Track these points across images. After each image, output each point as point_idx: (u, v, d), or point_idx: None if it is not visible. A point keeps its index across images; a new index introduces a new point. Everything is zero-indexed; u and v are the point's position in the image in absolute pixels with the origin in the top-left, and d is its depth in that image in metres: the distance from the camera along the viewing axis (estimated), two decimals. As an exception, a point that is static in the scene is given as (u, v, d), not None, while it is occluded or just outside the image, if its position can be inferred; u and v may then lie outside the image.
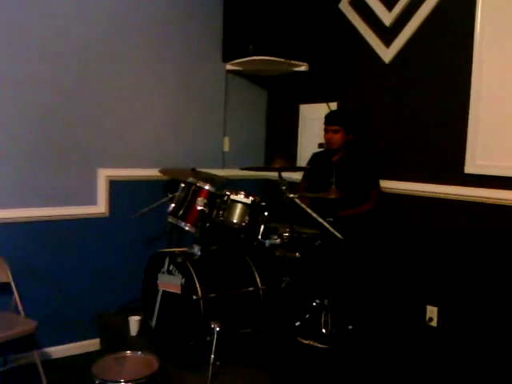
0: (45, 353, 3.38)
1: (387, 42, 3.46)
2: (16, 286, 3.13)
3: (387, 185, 3.41)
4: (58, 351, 3.47)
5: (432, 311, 3.16)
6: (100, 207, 3.62)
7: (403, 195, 3.34)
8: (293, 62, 4.02)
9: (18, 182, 3.27)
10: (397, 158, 3.42)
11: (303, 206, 2.63)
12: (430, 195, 3.18)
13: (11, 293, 3.12)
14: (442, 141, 3.15)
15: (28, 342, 3.03)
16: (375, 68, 3.55)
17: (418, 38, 3.29)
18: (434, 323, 3.15)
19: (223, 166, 4.23)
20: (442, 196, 3.11)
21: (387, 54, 3.46)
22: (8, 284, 3.11)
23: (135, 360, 2.63)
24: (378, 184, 3.36)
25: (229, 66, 4.19)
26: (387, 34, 3.46)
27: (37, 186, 3.34)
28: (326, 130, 3.39)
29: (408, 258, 3.32)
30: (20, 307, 3.09)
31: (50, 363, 3.33)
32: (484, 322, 2.91)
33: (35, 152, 3.33)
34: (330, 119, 3.39)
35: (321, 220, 2.58)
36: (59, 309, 3.46)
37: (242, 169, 3.13)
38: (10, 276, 3.12)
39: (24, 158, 3.29)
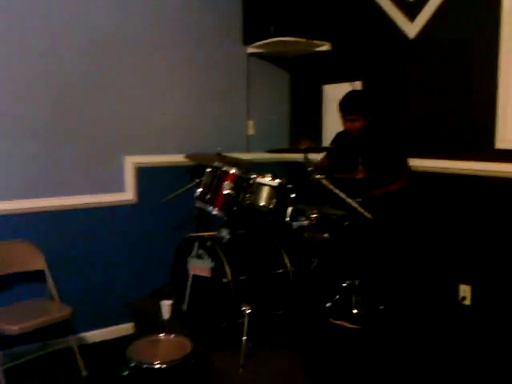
0: (81, 338, 3.47)
1: (411, 17, 3.39)
2: (50, 273, 3.21)
3: (415, 163, 3.36)
4: (93, 336, 3.56)
5: (465, 290, 3.13)
6: (128, 194, 3.66)
7: (432, 173, 3.29)
8: (315, 41, 3.98)
9: (49, 172, 3.33)
10: (425, 135, 3.36)
11: (331, 186, 2.61)
12: (460, 172, 3.12)
13: (46, 280, 3.20)
14: (470, 116, 3.08)
15: (64, 327, 3.12)
16: (399, 44, 3.48)
17: (443, 11, 3.20)
18: (467, 302, 3.11)
19: (248, 150, 4.23)
20: (472, 173, 3.06)
21: (411, 29, 3.39)
22: (43, 271, 3.19)
23: (169, 342, 2.68)
24: (407, 162, 3.31)
25: (250, 49, 4.17)
26: (411, 9, 3.38)
27: (67, 176, 3.40)
28: (344, 119, 3.34)
29: (439, 237, 3.28)
30: (55, 294, 3.17)
31: (87, 348, 3.42)
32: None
33: (64, 142, 3.38)
34: (345, 109, 3.32)
35: (349, 200, 2.56)
36: (93, 295, 3.54)
37: (268, 151, 3.12)
38: (45, 263, 3.20)
39: (54, 148, 3.34)
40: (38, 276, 3.21)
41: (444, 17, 3.20)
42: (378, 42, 3.66)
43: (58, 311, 3.01)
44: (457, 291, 3.16)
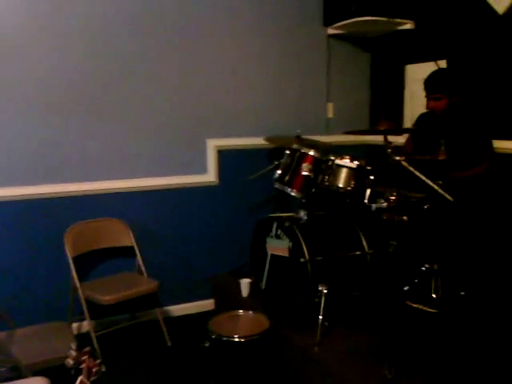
0: (166, 311, 3.69)
1: (502, -9, 3.21)
2: (139, 249, 3.41)
3: (502, 145, 3.21)
4: (177, 309, 3.77)
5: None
6: (210, 176, 3.80)
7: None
8: (397, 20, 3.86)
9: (138, 153, 3.54)
10: (510, 116, 3.19)
11: (411, 168, 2.57)
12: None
13: (134, 256, 3.42)
14: None
15: (151, 300, 3.32)
16: (487, 20, 3.30)
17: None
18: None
19: (328, 133, 4.22)
20: None
21: (501, 3, 3.21)
22: (132, 247, 3.41)
23: (247, 318, 2.78)
24: (490, 146, 3.16)
25: (330, 30, 4.13)
26: (502, -18, 3.21)
27: (154, 157, 3.60)
28: (427, 98, 3.23)
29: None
30: (143, 268, 3.38)
31: (172, 320, 3.63)
32: None
33: (151, 126, 3.57)
34: (430, 87, 3.19)
35: (430, 182, 2.51)
36: (177, 271, 3.74)
37: (346, 133, 3.10)
38: (134, 240, 3.41)
39: (143, 131, 3.54)
40: (128, 252, 3.44)
41: (538, -11, 3.01)
42: (464, 19, 3.49)
43: (146, 284, 3.21)
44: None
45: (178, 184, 3.67)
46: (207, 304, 3.85)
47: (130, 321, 3.48)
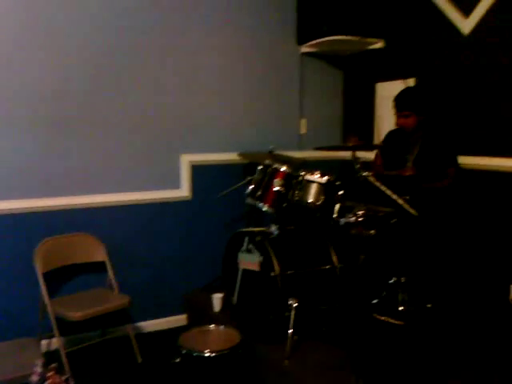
0: (138, 327, 3.65)
1: (466, 12, 3.31)
2: (111, 264, 3.39)
3: (467, 161, 3.29)
4: (149, 325, 3.73)
5: (518, 290, 3.05)
6: (183, 191, 3.81)
7: (484, 171, 3.22)
8: (368, 39, 3.97)
9: (111, 168, 3.53)
10: (477, 133, 3.29)
11: (377, 184, 2.62)
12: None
13: (106, 271, 3.39)
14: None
15: (122, 316, 3.29)
16: (453, 40, 3.42)
17: (498, 6, 3.12)
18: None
19: (301, 148, 4.27)
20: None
21: (466, 25, 3.32)
22: (104, 263, 3.39)
23: (218, 333, 2.78)
24: (455, 161, 3.25)
25: (304, 49, 4.21)
26: (466, 4, 3.31)
27: (127, 173, 3.59)
28: (397, 115, 3.32)
29: (490, 236, 3.20)
30: (114, 284, 3.35)
31: (143, 336, 3.60)
32: None
33: (125, 141, 3.57)
34: (399, 104, 3.29)
35: (394, 196, 2.57)
36: (149, 286, 3.71)
37: (316, 149, 3.16)
38: (106, 255, 3.39)
39: (117, 146, 3.54)
40: (99, 267, 3.41)
41: (500, 12, 3.12)
42: (431, 39, 3.61)
43: (116, 300, 3.18)
44: (507, 291, 3.08)
45: (151, 199, 3.67)
46: (180, 319, 3.83)
47: (101, 337, 3.45)
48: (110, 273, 3.38)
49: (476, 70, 3.29)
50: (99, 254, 3.39)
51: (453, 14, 3.40)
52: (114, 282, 3.36)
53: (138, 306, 3.46)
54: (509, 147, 3.09)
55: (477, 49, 3.28)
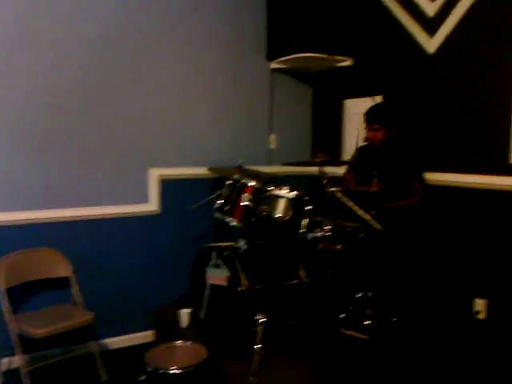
0: (103, 344, 3.57)
1: (431, 33, 3.42)
2: (75, 280, 3.32)
3: (432, 177, 3.38)
4: (114, 342, 3.65)
5: (480, 304, 3.10)
6: (152, 205, 3.77)
7: (448, 187, 3.29)
8: (336, 57, 4.04)
9: (77, 182, 3.47)
10: (441, 149, 3.38)
11: (344, 199, 2.65)
12: (475, 186, 3.13)
13: (70, 287, 3.32)
14: (486, 131, 3.09)
15: (87, 333, 3.22)
16: (419, 59, 3.51)
17: (462, 26, 3.23)
18: (481, 316, 3.09)
19: (270, 163, 4.29)
20: (486, 187, 3.06)
21: (431, 44, 3.42)
22: (67, 278, 3.31)
23: (185, 349, 2.74)
24: (422, 177, 3.32)
25: (273, 65, 4.25)
26: (431, 25, 3.42)
27: (94, 186, 3.53)
28: (367, 128, 3.39)
29: (454, 250, 3.27)
30: (79, 300, 3.28)
31: (108, 353, 3.51)
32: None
33: (93, 154, 3.52)
34: (369, 118, 3.37)
35: (360, 212, 2.60)
36: (115, 302, 3.64)
37: (284, 164, 3.19)
38: (70, 271, 3.32)
39: (83, 159, 3.48)
40: (63, 283, 3.33)
41: (463, 32, 3.22)
42: (398, 58, 3.70)
43: (80, 317, 3.11)
44: (471, 305, 3.14)
45: (118, 213, 3.62)
46: (146, 335, 3.77)
47: (64, 355, 3.35)
48: (75, 289, 3.31)
49: (440, 88, 3.38)
50: (64, 270, 3.32)
51: (418, 33, 3.50)
52: (78, 297, 3.29)
53: (103, 323, 3.38)
54: (471, 164, 3.17)
55: (441, 67, 3.37)
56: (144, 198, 3.75)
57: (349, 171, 3.70)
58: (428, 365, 2.73)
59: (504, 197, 2.97)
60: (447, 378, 2.63)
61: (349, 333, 2.68)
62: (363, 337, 2.67)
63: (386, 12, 3.73)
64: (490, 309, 3.07)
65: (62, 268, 3.32)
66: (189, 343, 2.79)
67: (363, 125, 3.42)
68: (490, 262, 3.07)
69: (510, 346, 2.93)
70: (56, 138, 3.38)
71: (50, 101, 3.33)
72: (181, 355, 2.68)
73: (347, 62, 4.11)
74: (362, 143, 3.57)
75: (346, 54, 4.08)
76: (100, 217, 3.55)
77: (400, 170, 3.25)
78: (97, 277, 3.55)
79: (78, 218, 3.46)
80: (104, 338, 3.59)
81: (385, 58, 3.81)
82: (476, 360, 2.89)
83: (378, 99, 3.78)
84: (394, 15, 3.66)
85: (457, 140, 3.27)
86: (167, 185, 3.82)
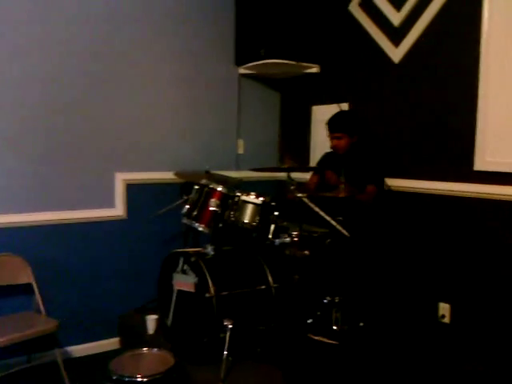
0: (67, 351, 3.49)
1: (396, 42, 3.49)
2: (38, 286, 3.24)
3: (397, 183, 3.44)
4: (79, 350, 3.58)
5: (445, 308, 3.18)
6: (118, 210, 3.72)
7: (414, 193, 3.36)
8: (304, 64, 4.08)
9: (40, 186, 3.39)
10: (407, 156, 3.45)
11: (311, 205, 2.68)
12: (440, 193, 3.20)
13: (33, 293, 3.24)
14: (451, 139, 3.17)
15: (50, 340, 3.14)
16: (385, 68, 3.58)
17: (426, 37, 3.31)
18: (446, 320, 3.16)
19: (238, 168, 4.30)
20: (451, 193, 3.14)
21: (396, 54, 3.49)
22: (30, 285, 3.23)
23: (151, 357, 2.71)
24: (378, 181, 3.35)
25: (242, 70, 4.27)
26: (396, 34, 3.49)
27: (57, 190, 3.46)
28: (330, 137, 3.43)
29: (420, 256, 3.34)
30: (41, 307, 3.21)
31: (72, 361, 3.44)
32: (496, 319, 2.91)
33: (56, 158, 3.44)
34: (332, 126, 3.41)
35: (327, 218, 2.63)
36: (80, 309, 3.57)
37: (252, 170, 3.20)
38: (32, 277, 3.24)
39: (46, 163, 3.41)
40: (26, 289, 3.25)
41: (427, 43, 3.30)
42: (364, 66, 3.76)
43: (43, 324, 3.03)
44: (436, 309, 3.21)
45: (83, 218, 3.56)
46: (112, 343, 3.70)
47: (26, 363, 3.27)
48: (37, 296, 3.23)
49: (406, 97, 3.46)
50: (25, 276, 3.23)
51: (384, 43, 3.57)
52: (41, 305, 3.21)
53: (67, 330, 3.31)
54: (437, 171, 3.25)
55: (406, 76, 3.45)
56: (110, 203, 3.70)
57: (313, 177, 3.73)
58: (395, 369, 2.77)
59: (468, 203, 3.05)
60: (414, 382, 2.68)
61: (317, 338, 2.70)
62: (331, 342, 2.69)
63: (353, 21, 3.79)
64: (453, 313, 3.14)
65: (23, 274, 3.24)
66: (155, 350, 2.76)
67: (327, 133, 3.46)
68: (453, 267, 3.14)
69: (474, 349, 3.01)
70: (19, 141, 3.30)
71: (14, 104, 3.26)
72: (147, 363, 2.65)
73: (314, 69, 4.16)
74: (327, 150, 3.62)
75: (314, 61, 4.13)
76: (65, 222, 3.48)
77: (364, 175, 3.29)
78: (61, 283, 3.48)
79: (41, 223, 3.38)
80: (68, 346, 3.51)
81: (352, 67, 3.86)
82: (441, 364, 2.95)
83: (345, 106, 3.83)
84: (361, 24, 3.72)
85: (422, 147, 3.35)
86: (134, 189, 3.77)
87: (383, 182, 3.39)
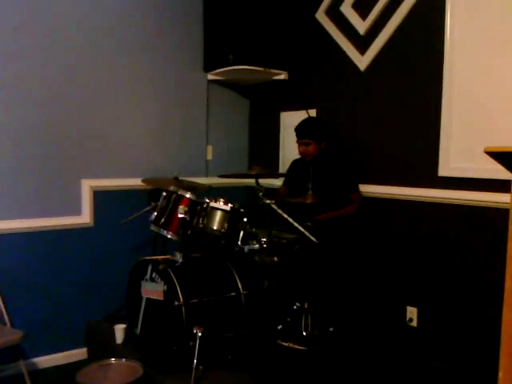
0: (32, 363, 3.41)
1: (362, 50, 3.55)
2: (1, 296, 3.16)
3: (365, 189, 3.49)
4: (45, 361, 3.50)
5: (412, 312, 3.23)
6: (84, 217, 3.66)
7: (381, 199, 3.41)
8: (272, 70, 4.10)
9: (4, 194, 3.31)
10: (374, 162, 3.50)
11: (280, 211, 2.70)
12: (407, 198, 3.26)
13: (-4, 304, 3.17)
14: (416, 145, 3.23)
15: (15, 352, 3.07)
16: (351, 75, 3.63)
17: (391, 45, 3.37)
18: (414, 323, 3.22)
19: (207, 174, 4.29)
20: (417, 199, 3.20)
21: (362, 61, 3.55)
22: (-7, 295, 3.16)
23: (119, 367, 2.69)
24: (358, 187, 3.43)
25: (210, 76, 4.27)
26: (362, 43, 3.55)
27: (22, 198, 3.38)
28: (298, 143, 3.47)
29: (387, 261, 3.39)
30: (6, 317, 3.13)
31: (38, 373, 3.37)
32: (461, 322, 2.98)
33: (19, 164, 3.37)
34: (299, 133, 3.46)
35: (296, 224, 2.65)
36: (46, 319, 3.49)
37: (221, 176, 3.20)
38: (-4, 287, 3.17)
39: (11, 171, 3.34)
40: (-12, 300, 3.17)
41: (392, 50, 3.36)
42: (331, 73, 3.81)
43: (7, 336, 2.95)
44: (405, 313, 3.27)
45: (49, 226, 3.49)
46: (79, 353, 3.64)
47: (-10, 376, 3.20)
48: (1, 305, 3.16)
49: (372, 104, 3.51)
50: (-11, 286, 3.16)
51: (351, 51, 3.62)
52: (5, 315, 3.14)
53: (33, 340, 3.25)
54: (404, 177, 3.31)
55: (372, 84, 3.51)
56: (77, 211, 3.64)
57: (284, 184, 3.77)
58: (365, 373, 2.80)
59: (434, 208, 3.11)
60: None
61: (286, 344, 2.71)
62: (301, 348, 2.71)
63: (320, 28, 3.83)
64: (420, 316, 3.20)
65: (-14, 285, 3.16)
66: (123, 360, 2.73)
67: (295, 139, 3.49)
68: (420, 272, 3.20)
69: (439, 350, 3.07)
70: (-19, 148, 3.22)
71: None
72: (115, 373, 2.63)
73: (283, 76, 4.18)
74: (297, 156, 3.65)
75: (282, 68, 4.15)
76: (30, 230, 3.40)
77: (335, 181, 3.34)
78: (27, 293, 3.40)
79: (5, 232, 3.30)
80: (34, 357, 3.44)
81: (319, 73, 3.91)
82: (410, 367, 3.00)
83: (313, 113, 3.87)
84: (328, 32, 3.77)
85: (388, 153, 3.40)
86: (101, 196, 3.72)
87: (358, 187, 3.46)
